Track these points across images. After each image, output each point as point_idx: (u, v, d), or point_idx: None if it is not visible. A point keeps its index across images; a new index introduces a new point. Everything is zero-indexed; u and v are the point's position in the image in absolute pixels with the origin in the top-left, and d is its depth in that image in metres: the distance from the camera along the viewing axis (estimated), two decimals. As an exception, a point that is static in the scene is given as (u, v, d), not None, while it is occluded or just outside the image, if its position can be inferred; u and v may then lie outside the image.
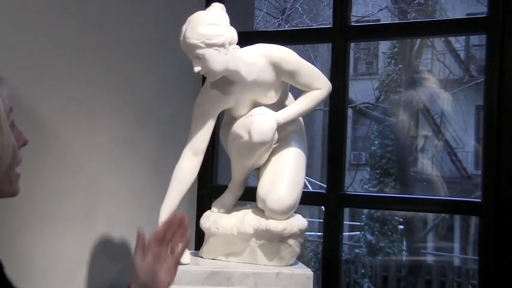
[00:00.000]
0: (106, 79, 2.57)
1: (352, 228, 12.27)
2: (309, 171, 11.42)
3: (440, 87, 11.93)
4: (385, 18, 12.04)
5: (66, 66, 2.42)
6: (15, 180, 1.41)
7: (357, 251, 11.30)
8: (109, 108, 2.59)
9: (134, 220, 2.66)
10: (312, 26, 10.83)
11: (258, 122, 2.11)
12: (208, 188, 2.91)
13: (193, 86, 2.74)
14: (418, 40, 11.25)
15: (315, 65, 2.27)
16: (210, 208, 2.34)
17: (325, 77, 2.23)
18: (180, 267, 2.05)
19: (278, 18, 11.90)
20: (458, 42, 11.88)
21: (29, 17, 2.31)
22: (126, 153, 2.66)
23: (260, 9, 11.13)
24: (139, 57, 2.71)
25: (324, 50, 11.64)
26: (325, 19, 11.25)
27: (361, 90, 11.82)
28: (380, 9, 11.92)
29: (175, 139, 2.47)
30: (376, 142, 11.99)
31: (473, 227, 11.53)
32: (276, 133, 2.14)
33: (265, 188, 2.16)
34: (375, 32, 2.95)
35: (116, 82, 2.61)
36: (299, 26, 11.27)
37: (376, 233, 11.19)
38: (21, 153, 1.41)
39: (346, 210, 12.37)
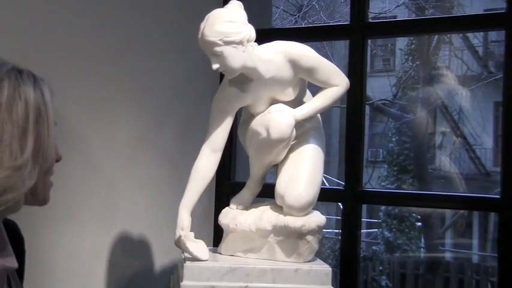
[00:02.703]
0: (123, 79, 2.59)
1: (369, 225, 12.25)
2: (327, 169, 11.33)
3: (458, 84, 11.88)
4: (402, 15, 12.00)
5: (84, 67, 2.44)
6: (49, 187, 1.45)
7: (374, 248, 11.29)
8: (127, 108, 2.61)
9: (153, 218, 2.69)
10: (329, 23, 10.84)
11: (276, 119, 2.11)
12: (226, 185, 2.92)
13: (211, 84, 2.74)
14: (436, 36, 11.20)
15: (331, 62, 2.27)
16: (228, 205, 2.35)
17: (343, 73, 2.23)
18: (198, 263, 2.08)
19: (295, 15, 11.88)
20: (476, 38, 11.81)
21: (45, 19, 2.33)
22: (144, 152, 2.67)
23: (277, 7, 11.12)
24: (157, 56, 2.72)
25: (341, 46, 11.62)
26: (342, 16, 11.24)
27: (378, 87, 11.79)
28: (397, 6, 11.87)
29: (193, 138, 2.49)
30: (394, 139, 11.97)
31: (492, 224, 11.48)
32: (294, 130, 2.15)
33: (283, 184, 2.16)
34: (392, 28, 2.94)
35: (133, 82, 2.63)
36: (316, 23, 11.27)
37: (393, 230, 11.16)
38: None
39: (364, 208, 12.39)
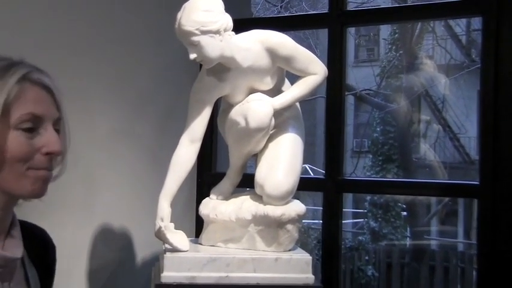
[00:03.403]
0: (103, 70, 2.58)
1: (355, 215, 12.31)
2: (312, 159, 11.45)
3: (441, 73, 11.93)
4: (385, 4, 12.03)
5: (63, 58, 2.42)
6: (28, 180, 1.44)
7: (360, 238, 11.34)
8: (106, 99, 2.60)
9: (133, 210, 2.68)
10: (310, 11, 10.84)
11: (255, 109, 2.11)
12: (207, 176, 2.92)
13: (189, 75, 2.72)
14: (419, 25, 11.24)
15: (314, 53, 2.27)
16: (209, 196, 2.34)
17: (321, 62, 2.23)
18: (179, 254, 2.08)
19: (277, 5, 11.88)
20: (458, 26, 11.85)
21: (24, 8, 2.31)
22: (124, 143, 2.66)
23: (260, -3, 11.14)
24: (136, 47, 2.71)
25: (324, 37, 11.63)
26: (324, 6, 11.23)
27: (362, 77, 11.85)
28: (380, -5, 11.92)
29: (172, 128, 2.48)
30: (378, 129, 12.02)
31: (476, 213, 11.56)
32: (273, 119, 2.14)
33: (262, 174, 2.16)
34: (370, 16, 2.94)
35: (113, 73, 2.62)
36: (298, 12, 11.28)
37: (379, 219, 11.23)
38: (44, 158, 1.45)
39: (350, 198, 12.43)
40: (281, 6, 11.76)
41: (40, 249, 1.66)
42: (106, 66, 2.59)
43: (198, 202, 2.75)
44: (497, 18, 2.37)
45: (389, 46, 12.29)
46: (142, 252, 2.72)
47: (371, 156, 12.20)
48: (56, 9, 2.41)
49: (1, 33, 2.21)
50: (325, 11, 2.83)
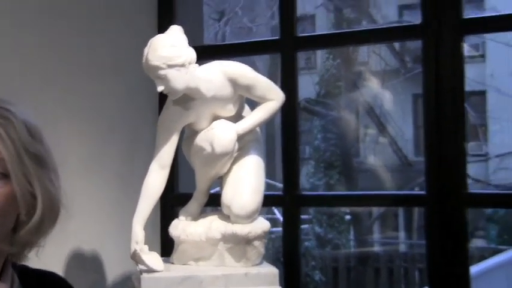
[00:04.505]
0: (69, 99, 2.66)
1: (301, 221, 12.47)
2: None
3: (377, 79, 12.25)
4: (321, 14, 12.31)
5: (30, 86, 2.49)
6: None
7: (306, 243, 11.52)
8: (74, 127, 2.68)
9: (105, 234, 2.77)
10: (252, 26, 11.02)
11: (219, 135, 2.25)
12: (171, 197, 3.01)
13: (151, 104, 2.87)
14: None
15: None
16: (173, 216, 2.46)
17: (278, 88, 2.38)
18: (154, 274, 2.19)
19: (218, 19, 11.98)
20: (392, 34, 12.19)
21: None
22: (92, 169, 2.75)
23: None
24: (100, 78, 2.80)
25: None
26: (261, 19, 11.40)
27: (301, 86, 11.98)
28: (316, 7, 12.16)
29: (138, 153, 2.59)
30: (319, 136, 12.23)
31: (416, 214, 11.93)
32: (237, 143, 2.29)
33: (229, 195, 2.30)
34: (321, 41, 3.15)
35: (79, 102, 2.70)
36: (239, 26, 11.44)
37: (324, 225, 11.44)
38: None
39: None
40: (221, 21, 11.86)
41: None
42: (74, 95, 2.67)
43: (163, 222, 2.88)
44: (436, 42, 2.56)
45: (327, 55, 12.54)
46: (113, 274, 2.80)
47: (313, 163, 12.41)
48: (21, 37, 2.49)
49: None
50: (265, 22, 2.98)
